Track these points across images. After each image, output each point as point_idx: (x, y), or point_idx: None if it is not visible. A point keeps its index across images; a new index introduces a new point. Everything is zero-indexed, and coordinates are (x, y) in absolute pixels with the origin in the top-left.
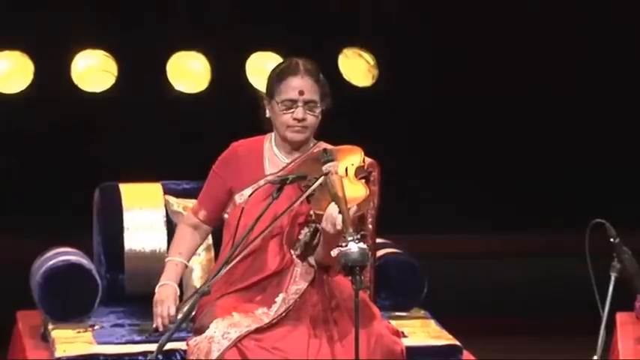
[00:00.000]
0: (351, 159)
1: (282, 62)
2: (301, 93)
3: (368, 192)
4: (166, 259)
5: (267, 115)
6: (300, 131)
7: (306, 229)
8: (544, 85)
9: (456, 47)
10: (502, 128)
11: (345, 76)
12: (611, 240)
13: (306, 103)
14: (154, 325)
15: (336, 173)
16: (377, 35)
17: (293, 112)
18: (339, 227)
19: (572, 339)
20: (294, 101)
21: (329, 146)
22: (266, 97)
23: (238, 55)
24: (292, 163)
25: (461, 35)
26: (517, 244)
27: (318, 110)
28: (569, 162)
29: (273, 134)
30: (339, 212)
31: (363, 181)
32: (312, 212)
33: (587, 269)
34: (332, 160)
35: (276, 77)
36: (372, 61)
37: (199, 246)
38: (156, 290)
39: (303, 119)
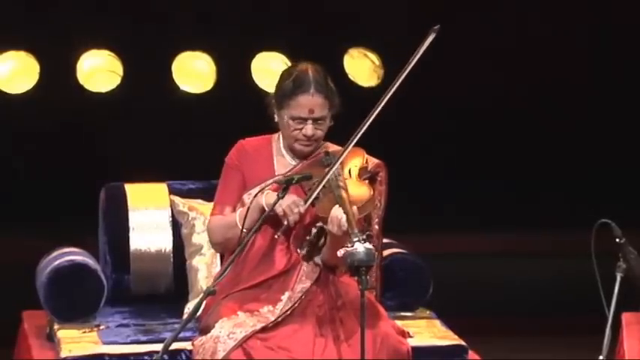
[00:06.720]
0: (353, 160)
1: (293, 70)
2: (311, 112)
3: (372, 192)
4: (232, 218)
5: (276, 119)
6: (308, 145)
7: (312, 230)
8: (547, 86)
9: (463, 46)
10: (507, 129)
11: (350, 76)
12: (617, 240)
13: (315, 120)
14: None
15: (340, 175)
16: (382, 35)
17: (302, 129)
18: (344, 228)
19: (579, 339)
20: (303, 119)
21: (335, 147)
22: (275, 103)
23: (244, 56)
24: (299, 165)
25: (468, 34)
26: (524, 244)
27: (327, 123)
28: (571, 162)
29: (280, 135)
30: (344, 213)
31: (367, 181)
32: (317, 214)
33: (593, 269)
34: (334, 163)
35: (287, 91)
36: (377, 61)
37: None
38: (251, 205)
39: (312, 135)
